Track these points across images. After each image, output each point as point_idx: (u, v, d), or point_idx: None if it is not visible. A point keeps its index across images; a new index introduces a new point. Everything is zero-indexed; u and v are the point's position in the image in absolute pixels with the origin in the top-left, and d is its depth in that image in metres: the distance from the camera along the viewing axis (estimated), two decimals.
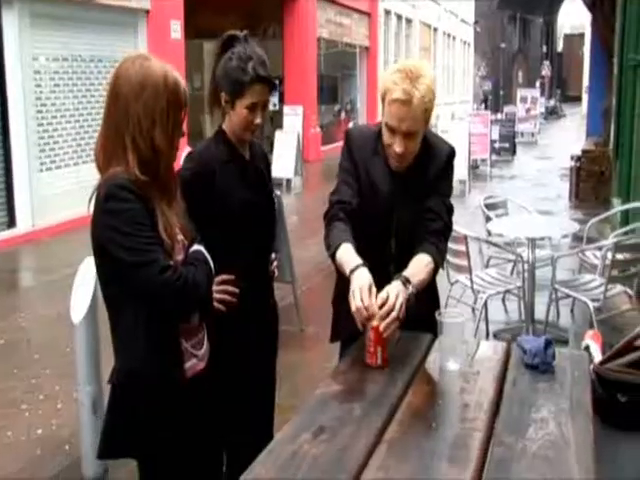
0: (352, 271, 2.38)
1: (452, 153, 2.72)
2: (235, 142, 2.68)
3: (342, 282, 2.56)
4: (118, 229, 2.04)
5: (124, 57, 2.24)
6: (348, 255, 2.45)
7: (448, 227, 2.69)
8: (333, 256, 2.51)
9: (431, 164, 2.66)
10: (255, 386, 2.79)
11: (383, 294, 2.31)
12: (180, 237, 2.22)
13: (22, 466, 3.90)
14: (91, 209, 2.16)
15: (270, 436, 2.69)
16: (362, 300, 2.26)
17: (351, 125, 17.59)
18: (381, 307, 2.27)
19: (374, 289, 2.31)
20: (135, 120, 2.10)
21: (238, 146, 2.69)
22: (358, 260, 2.41)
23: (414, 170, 2.64)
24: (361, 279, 2.33)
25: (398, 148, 2.52)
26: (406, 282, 2.39)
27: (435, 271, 2.57)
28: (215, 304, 2.49)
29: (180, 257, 2.20)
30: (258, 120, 2.60)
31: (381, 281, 2.42)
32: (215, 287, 2.43)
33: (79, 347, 3.51)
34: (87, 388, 3.50)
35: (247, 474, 1.70)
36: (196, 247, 2.27)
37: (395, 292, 2.31)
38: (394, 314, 2.26)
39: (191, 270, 2.14)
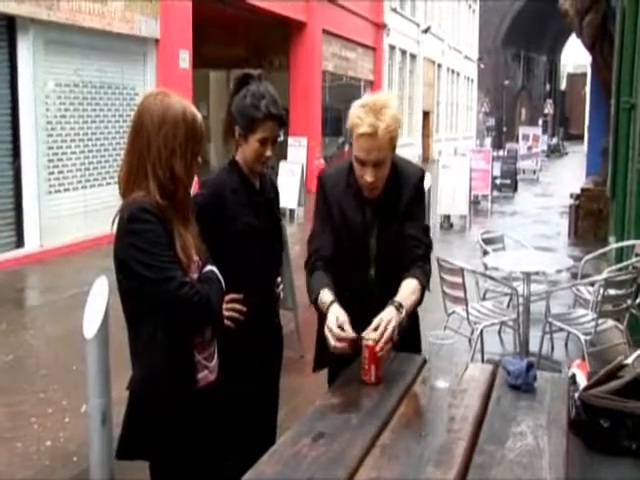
0: (327, 308, 2.59)
1: (422, 176, 2.88)
2: (246, 172, 2.89)
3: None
4: (140, 248, 2.24)
5: (147, 93, 2.46)
6: (325, 297, 2.64)
7: (429, 247, 2.84)
8: (316, 302, 2.69)
9: (402, 189, 2.81)
10: (260, 399, 2.98)
11: (377, 319, 2.49)
12: (195, 257, 2.42)
13: (32, 476, 4.06)
14: (114, 229, 2.35)
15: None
16: (336, 338, 2.46)
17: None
18: (376, 329, 2.47)
19: (346, 323, 2.50)
20: (156, 150, 2.31)
21: (249, 176, 2.90)
22: (332, 297, 2.61)
23: (385, 196, 2.80)
24: (332, 315, 2.53)
25: (369, 178, 2.69)
26: (399, 307, 2.57)
27: (423, 292, 2.74)
28: (225, 321, 2.69)
29: (195, 275, 2.40)
30: (268, 153, 2.82)
31: (365, 305, 2.65)
32: (224, 305, 2.63)
33: (91, 361, 3.65)
34: (97, 401, 3.63)
35: (252, 472, 1.89)
36: (209, 267, 2.47)
37: (388, 317, 2.50)
38: (387, 335, 2.45)
39: (205, 287, 2.35)
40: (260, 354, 2.93)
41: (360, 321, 2.61)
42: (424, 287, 2.74)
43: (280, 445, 2.05)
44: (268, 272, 2.99)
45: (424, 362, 2.68)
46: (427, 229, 2.90)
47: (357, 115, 2.63)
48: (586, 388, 2.75)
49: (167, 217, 2.31)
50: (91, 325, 3.69)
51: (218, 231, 2.72)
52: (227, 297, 2.64)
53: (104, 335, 3.67)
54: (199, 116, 2.41)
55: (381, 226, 2.81)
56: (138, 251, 2.24)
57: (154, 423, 2.36)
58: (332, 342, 2.48)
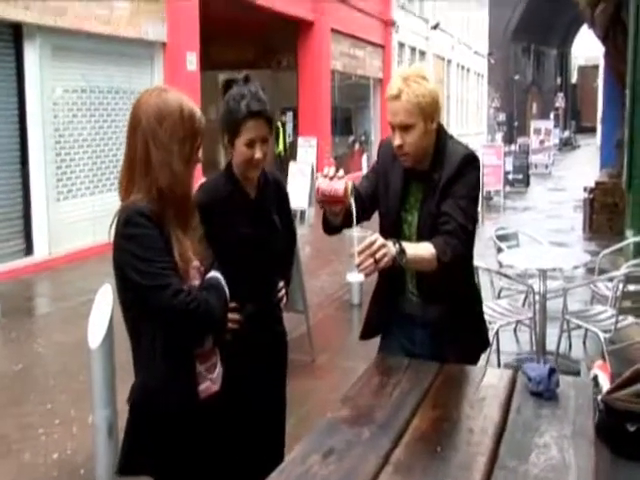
0: None
1: (467, 156, 2.76)
2: (240, 179, 2.77)
3: (378, 284, 2.84)
4: (135, 253, 2.15)
5: (143, 90, 2.35)
6: None
7: (461, 227, 2.65)
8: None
9: (444, 168, 2.73)
10: (264, 412, 2.84)
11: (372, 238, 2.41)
12: (196, 263, 2.31)
13: None
14: (112, 235, 2.26)
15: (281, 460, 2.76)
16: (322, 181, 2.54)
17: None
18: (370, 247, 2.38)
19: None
20: (153, 149, 2.21)
21: (244, 183, 2.78)
22: None
23: (426, 172, 2.76)
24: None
25: (395, 141, 2.70)
26: (399, 244, 2.47)
27: (438, 260, 2.57)
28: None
29: (196, 282, 2.30)
30: (258, 155, 2.67)
31: (396, 278, 2.74)
32: None
33: (96, 372, 3.57)
34: (103, 412, 3.56)
35: None
36: (213, 273, 2.36)
37: (383, 241, 2.40)
38: (370, 249, 2.35)
39: (204, 295, 2.24)
40: (261, 363, 2.80)
41: (388, 309, 2.89)
42: (439, 253, 2.57)
43: (289, 463, 1.94)
44: (265, 280, 2.86)
45: (440, 368, 2.56)
46: (466, 209, 2.69)
47: (390, 82, 2.71)
48: (610, 391, 2.63)
49: (165, 220, 2.22)
50: (96, 335, 3.60)
51: (211, 238, 2.61)
52: None
53: (109, 345, 3.59)
54: (197, 111, 2.31)
55: (417, 200, 2.79)
56: (132, 257, 2.16)
57: (155, 437, 2.26)
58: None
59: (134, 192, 2.23)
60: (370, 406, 2.27)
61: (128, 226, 2.17)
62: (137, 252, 2.14)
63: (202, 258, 2.36)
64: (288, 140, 18.18)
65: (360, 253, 2.35)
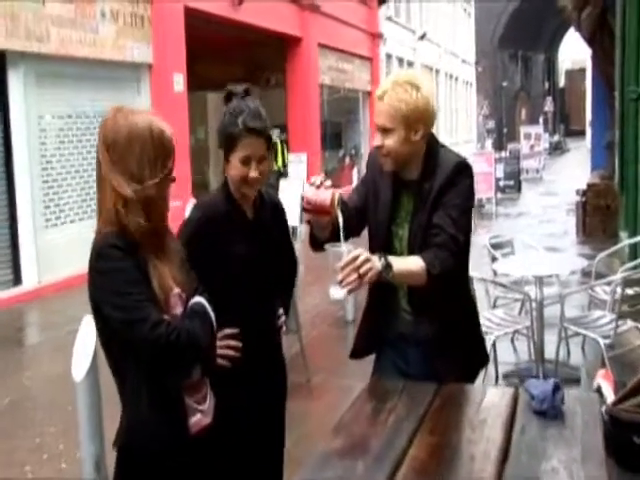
0: None
1: (459, 164, 2.66)
2: (237, 197, 2.65)
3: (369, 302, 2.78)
4: (109, 288, 2.03)
5: (108, 113, 2.22)
6: None
7: (452, 238, 2.55)
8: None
9: (435, 177, 2.63)
10: (262, 445, 2.71)
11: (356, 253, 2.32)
12: (176, 290, 2.19)
13: None
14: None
15: None
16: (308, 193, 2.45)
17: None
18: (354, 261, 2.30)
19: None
20: (122, 173, 2.10)
21: (241, 201, 2.66)
22: None
23: (417, 182, 2.66)
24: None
25: (376, 141, 2.64)
26: (384, 258, 2.38)
27: (428, 273, 2.47)
28: (218, 359, 2.45)
29: (178, 310, 2.18)
30: (253, 173, 2.55)
31: (388, 295, 2.67)
32: (217, 342, 2.39)
33: (81, 406, 3.46)
34: (90, 447, 3.44)
35: None
36: (196, 299, 2.23)
37: (368, 255, 2.32)
38: (354, 263, 2.27)
39: (186, 324, 2.11)
40: (259, 393, 2.67)
41: (379, 327, 2.78)
42: (429, 267, 2.47)
43: None
44: (264, 303, 2.74)
45: (437, 390, 2.43)
46: (457, 219, 2.58)
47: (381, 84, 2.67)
48: (615, 402, 2.52)
49: (139, 249, 2.10)
50: (80, 367, 3.49)
51: (208, 258, 2.49)
52: (220, 333, 2.40)
53: (93, 377, 3.47)
54: (168, 129, 2.19)
55: (407, 210, 2.69)
56: (107, 292, 2.04)
57: (145, 478, 2.13)
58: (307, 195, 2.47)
59: (107, 217, 2.12)
60: (364, 435, 2.14)
61: (100, 260, 2.07)
62: (111, 286, 2.03)
63: (183, 284, 2.23)
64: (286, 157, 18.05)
65: (343, 268, 2.26)
